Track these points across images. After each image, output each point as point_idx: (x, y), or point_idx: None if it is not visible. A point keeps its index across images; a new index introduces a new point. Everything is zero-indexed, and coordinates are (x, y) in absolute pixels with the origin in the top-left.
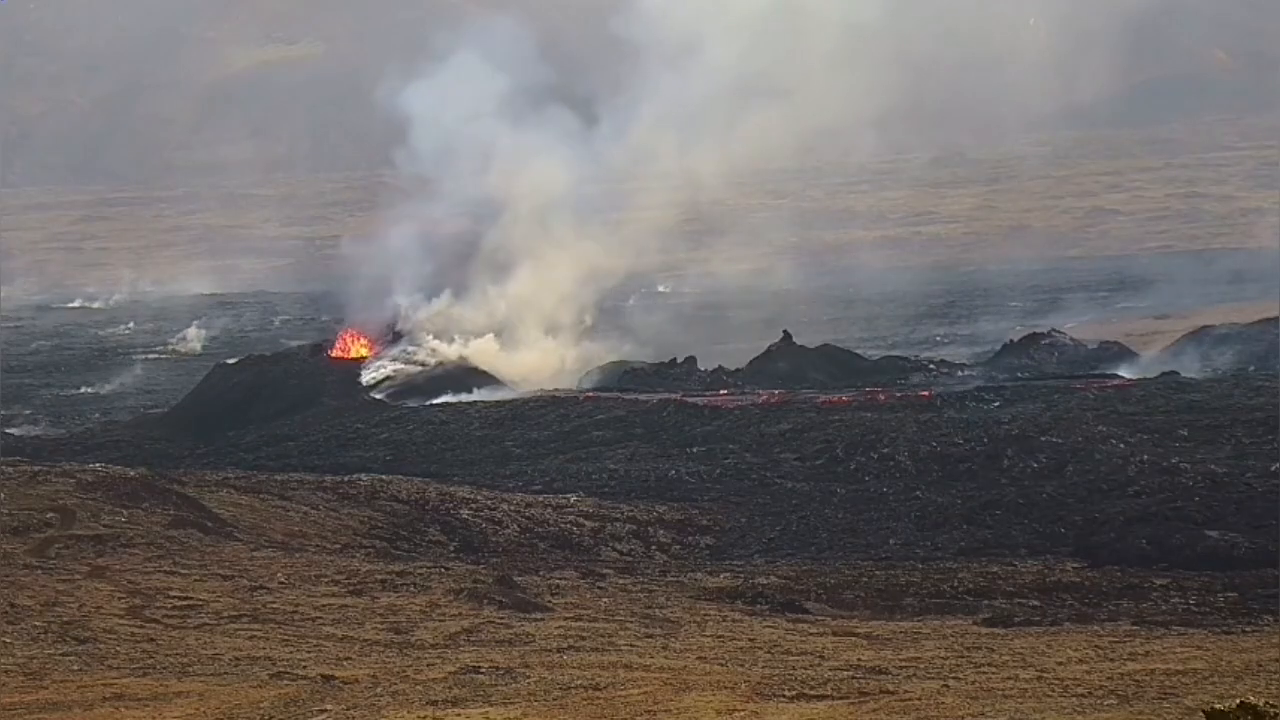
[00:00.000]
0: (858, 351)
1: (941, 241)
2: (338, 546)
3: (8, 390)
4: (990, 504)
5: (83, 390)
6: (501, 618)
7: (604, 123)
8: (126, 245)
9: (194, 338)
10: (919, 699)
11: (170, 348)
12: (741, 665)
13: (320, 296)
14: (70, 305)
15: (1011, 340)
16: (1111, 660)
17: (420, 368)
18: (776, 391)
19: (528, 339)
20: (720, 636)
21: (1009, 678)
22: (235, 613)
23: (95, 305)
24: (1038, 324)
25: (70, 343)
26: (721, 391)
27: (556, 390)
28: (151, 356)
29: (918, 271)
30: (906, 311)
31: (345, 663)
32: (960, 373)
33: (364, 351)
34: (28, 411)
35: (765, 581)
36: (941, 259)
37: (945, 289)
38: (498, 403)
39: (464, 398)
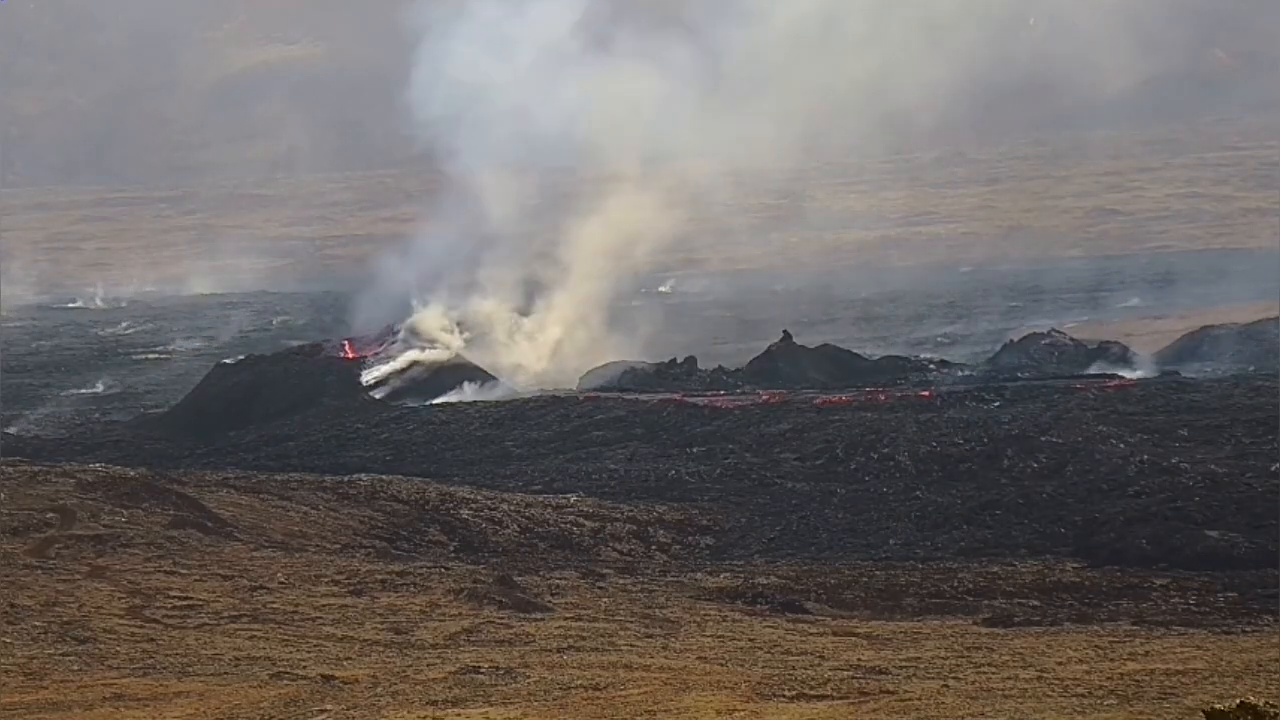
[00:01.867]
0: (858, 351)
1: (941, 241)
2: (338, 546)
3: (8, 390)
4: (990, 504)
5: (83, 390)
6: (501, 618)
7: (656, 82)
8: (126, 245)
9: (238, 324)
10: (919, 699)
11: (214, 337)
12: (741, 665)
13: (320, 296)
14: (70, 305)
15: (1011, 340)
16: (1111, 660)
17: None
18: (777, 391)
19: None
20: (720, 636)
21: (1009, 678)
22: (235, 613)
23: (96, 305)
24: (1038, 324)
25: (70, 343)
26: (721, 392)
27: (557, 390)
28: (188, 352)
29: (918, 271)
30: (906, 311)
31: (345, 663)
32: (960, 373)
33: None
34: (28, 411)
35: (765, 581)
36: (941, 259)
37: (945, 289)
38: (498, 403)
39: (464, 397)
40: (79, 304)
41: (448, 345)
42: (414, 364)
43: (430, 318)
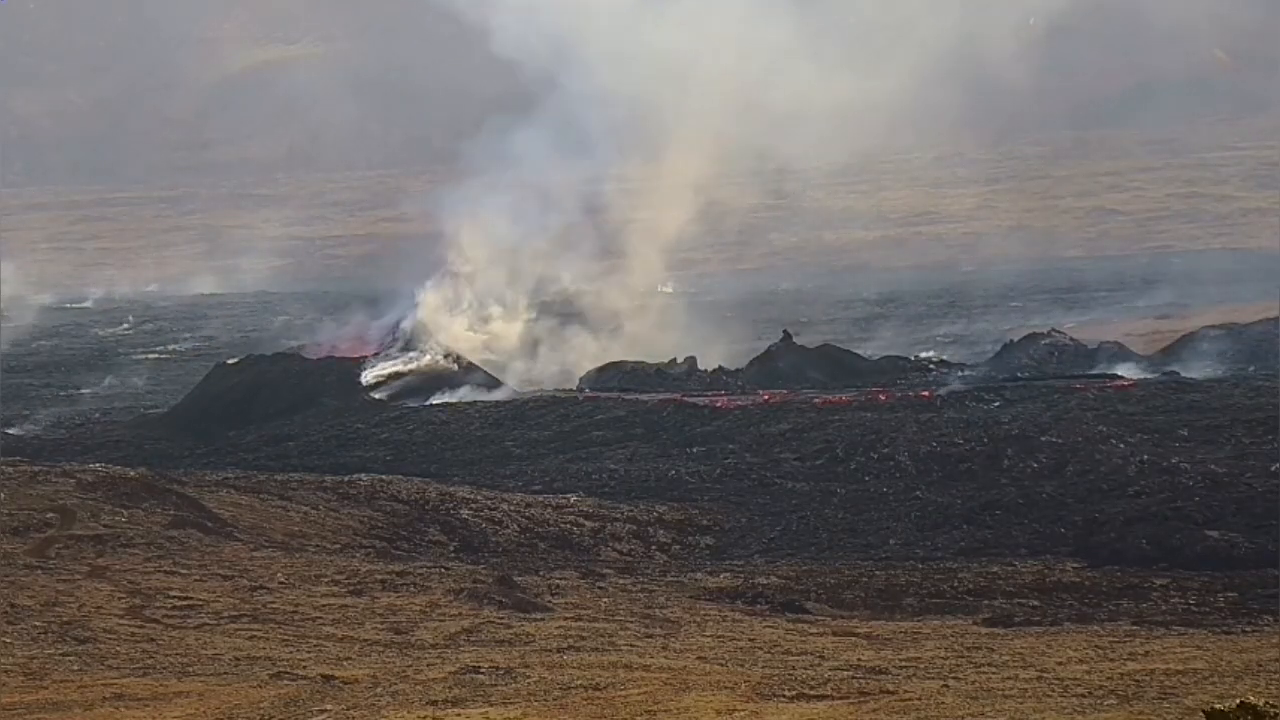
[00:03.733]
0: (858, 351)
1: (941, 241)
2: (338, 546)
3: (8, 390)
4: (990, 504)
5: (83, 390)
6: (501, 618)
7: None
8: (126, 245)
9: (238, 324)
10: (919, 699)
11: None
12: (741, 665)
13: (320, 296)
14: (71, 305)
15: (1011, 340)
16: (1111, 660)
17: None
18: (777, 391)
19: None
20: (720, 636)
21: (1009, 678)
22: (235, 613)
23: (95, 305)
24: (1038, 324)
25: (70, 343)
26: (721, 392)
27: (557, 390)
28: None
29: (918, 271)
30: (906, 311)
31: (345, 663)
32: (960, 373)
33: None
34: (28, 411)
35: (765, 581)
36: (941, 259)
37: (945, 289)
38: (498, 403)
39: (464, 397)
40: (88, 304)
41: (451, 337)
42: (420, 369)
43: (434, 312)
